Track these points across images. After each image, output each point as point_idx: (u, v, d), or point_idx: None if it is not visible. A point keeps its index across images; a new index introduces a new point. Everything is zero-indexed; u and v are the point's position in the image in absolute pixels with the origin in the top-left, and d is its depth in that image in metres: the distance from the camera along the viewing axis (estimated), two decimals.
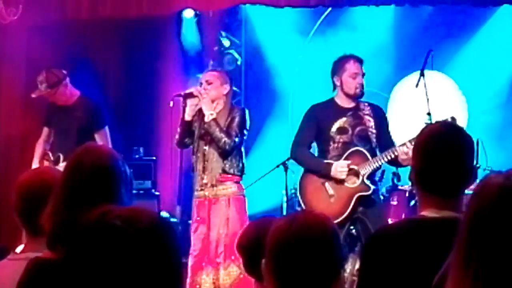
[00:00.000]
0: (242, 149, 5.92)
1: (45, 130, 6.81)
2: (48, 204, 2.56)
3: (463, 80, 8.72)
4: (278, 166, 7.37)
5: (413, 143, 5.11)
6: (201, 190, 5.86)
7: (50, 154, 6.69)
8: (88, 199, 2.48)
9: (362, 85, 5.71)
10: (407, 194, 7.10)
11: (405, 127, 7.85)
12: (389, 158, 5.53)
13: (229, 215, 5.79)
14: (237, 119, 5.81)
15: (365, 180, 5.63)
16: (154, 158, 8.15)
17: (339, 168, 5.59)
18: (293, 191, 7.88)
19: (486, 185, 1.64)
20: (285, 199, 7.67)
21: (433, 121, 5.92)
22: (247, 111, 5.94)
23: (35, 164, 6.64)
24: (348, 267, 6.27)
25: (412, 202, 7.09)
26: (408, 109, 8.27)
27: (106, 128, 6.59)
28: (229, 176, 5.83)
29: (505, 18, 8.47)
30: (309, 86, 8.94)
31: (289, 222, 2.15)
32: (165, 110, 6.88)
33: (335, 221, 5.45)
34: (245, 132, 5.87)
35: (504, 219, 1.57)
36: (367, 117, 5.71)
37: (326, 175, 5.63)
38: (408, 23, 8.68)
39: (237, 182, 5.87)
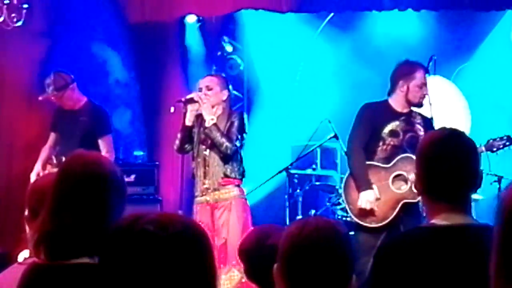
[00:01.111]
0: (242, 153, 5.93)
1: (52, 135, 6.84)
2: (41, 212, 2.56)
3: (466, 85, 8.71)
4: (280, 172, 7.38)
5: None
6: (203, 195, 5.86)
7: (54, 159, 6.70)
8: (78, 206, 2.49)
9: (425, 96, 5.69)
10: None
11: None
12: None
13: (231, 219, 5.79)
14: (236, 123, 5.82)
15: (413, 187, 5.56)
16: (157, 163, 8.17)
17: (368, 197, 5.51)
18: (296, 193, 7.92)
19: None
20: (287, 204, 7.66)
21: (436, 126, 5.95)
22: (245, 115, 5.95)
23: (36, 169, 6.65)
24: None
25: None
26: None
27: (110, 135, 6.61)
28: (231, 179, 5.83)
29: (508, 23, 8.47)
30: (311, 91, 8.96)
31: (301, 227, 2.16)
32: (168, 115, 6.90)
33: (377, 225, 5.50)
34: (244, 136, 5.88)
35: None
36: (418, 126, 5.69)
37: (358, 189, 5.57)
38: (410, 28, 8.69)
39: (238, 186, 5.88)
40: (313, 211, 7.70)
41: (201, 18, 8.68)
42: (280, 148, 8.61)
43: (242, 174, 5.89)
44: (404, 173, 5.57)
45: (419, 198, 5.55)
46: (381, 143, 5.65)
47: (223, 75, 6.17)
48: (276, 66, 9.06)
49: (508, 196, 1.64)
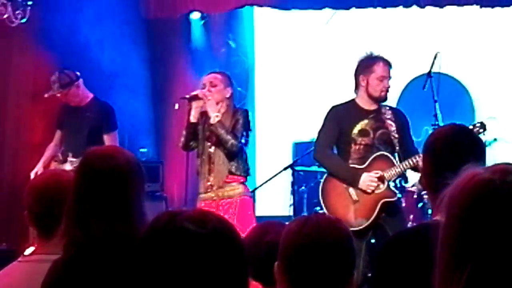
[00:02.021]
0: (246, 150, 5.93)
1: (58, 133, 6.87)
2: (65, 210, 2.56)
3: (471, 82, 8.70)
4: (285, 169, 7.38)
5: None
6: (207, 192, 5.86)
7: (60, 156, 6.72)
8: (103, 202, 2.49)
9: (387, 89, 5.59)
10: (415, 196, 7.10)
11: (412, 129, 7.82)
12: (416, 163, 5.38)
13: (235, 216, 5.79)
14: (241, 121, 5.82)
15: (391, 186, 5.53)
16: (162, 160, 8.16)
17: (368, 181, 5.47)
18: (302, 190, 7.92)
19: (472, 181, 1.57)
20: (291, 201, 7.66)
21: (441, 123, 5.94)
22: (249, 113, 5.95)
23: (36, 168, 6.67)
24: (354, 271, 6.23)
25: (420, 204, 7.09)
26: (416, 111, 8.25)
27: (116, 131, 6.63)
28: (235, 177, 5.84)
29: None
30: (316, 88, 8.95)
31: (302, 225, 2.15)
32: (173, 112, 6.90)
33: (359, 228, 5.41)
34: (249, 133, 5.88)
35: (497, 217, 1.53)
36: (389, 121, 5.59)
37: (352, 184, 5.51)
38: (415, 25, 8.68)
39: (243, 183, 5.88)
40: (318, 208, 7.69)
41: (205, 15, 8.67)
42: (283, 144, 8.60)
43: (247, 172, 5.89)
44: (380, 172, 5.50)
45: (398, 196, 5.56)
46: (352, 144, 5.57)
47: (227, 72, 6.15)
48: (280, 63, 9.05)
49: (466, 186, 1.59)
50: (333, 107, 5.74)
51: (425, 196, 7.09)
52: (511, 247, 1.50)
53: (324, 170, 7.88)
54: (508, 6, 7.83)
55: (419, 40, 8.56)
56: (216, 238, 1.56)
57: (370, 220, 5.44)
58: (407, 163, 5.45)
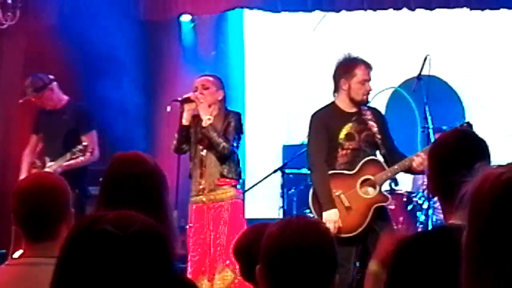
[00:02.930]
0: (238, 153, 5.93)
1: (33, 138, 6.88)
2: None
3: (461, 84, 8.73)
4: (275, 171, 7.39)
5: (426, 152, 5.11)
6: (199, 195, 5.86)
7: (38, 161, 6.75)
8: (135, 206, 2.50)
9: (369, 92, 5.56)
10: (404, 199, 7.10)
11: (402, 132, 7.84)
12: (407, 166, 5.36)
13: (227, 219, 5.79)
14: (233, 124, 5.83)
15: (383, 190, 5.51)
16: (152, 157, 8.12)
17: (331, 217, 5.33)
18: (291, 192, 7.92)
19: (499, 180, 1.55)
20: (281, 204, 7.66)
21: (430, 125, 5.95)
22: (241, 116, 5.95)
23: (22, 175, 6.65)
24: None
25: (410, 207, 7.10)
26: (406, 113, 8.27)
27: (94, 131, 6.62)
28: (227, 180, 5.84)
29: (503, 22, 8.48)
30: (306, 90, 8.96)
31: (283, 227, 2.14)
32: (163, 115, 6.89)
33: (353, 234, 5.38)
34: (241, 136, 5.89)
35: None
36: (370, 122, 5.54)
37: (322, 207, 5.41)
38: (405, 27, 8.69)
39: (235, 186, 5.88)
40: (308, 211, 7.69)
41: (195, 17, 8.67)
42: (272, 147, 8.60)
43: (239, 175, 5.89)
44: (371, 177, 5.47)
45: (389, 200, 5.55)
46: (339, 149, 5.51)
47: (218, 76, 6.15)
48: (271, 64, 9.06)
49: (484, 186, 1.57)
50: (315, 114, 5.64)
51: (414, 199, 7.10)
52: None
53: None
54: (498, 8, 7.85)
55: (409, 42, 8.58)
56: (136, 242, 1.55)
57: (363, 226, 5.40)
58: (397, 166, 5.41)
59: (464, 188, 1.60)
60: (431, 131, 6.19)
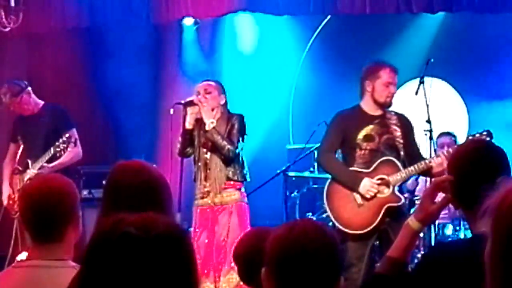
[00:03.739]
0: (243, 155, 5.93)
1: (12, 146, 6.96)
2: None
3: (463, 87, 8.72)
4: (278, 174, 7.39)
5: (445, 153, 5.10)
6: (203, 198, 5.87)
7: (19, 167, 6.82)
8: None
9: (393, 95, 5.61)
10: (406, 201, 7.09)
11: None
12: (422, 169, 5.41)
13: (231, 222, 5.80)
14: (236, 126, 5.84)
15: (396, 191, 5.52)
16: (155, 165, 8.13)
17: (368, 187, 5.48)
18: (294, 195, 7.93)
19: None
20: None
21: (432, 128, 5.95)
22: (244, 118, 5.96)
23: (5, 186, 6.81)
24: (344, 275, 6.21)
25: (412, 210, 7.09)
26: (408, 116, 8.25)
27: (74, 129, 6.63)
28: (232, 183, 5.85)
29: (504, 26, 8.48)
30: (308, 93, 8.96)
31: (289, 230, 2.14)
32: (166, 118, 6.90)
33: (362, 231, 5.43)
34: (245, 138, 5.90)
35: None
36: (394, 126, 5.60)
37: (353, 188, 5.51)
38: (407, 30, 8.70)
39: (239, 189, 5.89)
40: (310, 214, 7.70)
41: (198, 20, 8.68)
42: (276, 150, 8.60)
43: (244, 177, 5.90)
44: (386, 177, 5.51)
45: (402, 201, 5.55)
46: (358, 150, 5.57)
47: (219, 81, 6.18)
48: (273, 67, 9.06)
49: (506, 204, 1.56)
50: (338, 113, 5.76)
51: (417, 202, 7.10)
52: None
53: (318, 175, 7.96)
54: (500, 12, 7.86)
55: (411, 46, 8.58)
56: (158, 244, 1.55)
57: (373, 225, 5.45)
58: (412, 168, 5.46)
59: (486, 203, 1.60)
60: (433, 134, 6.19)
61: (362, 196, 5.51)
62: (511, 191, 1.57)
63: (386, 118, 5.62)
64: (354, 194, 5.53)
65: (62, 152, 6.40)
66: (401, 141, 5.57)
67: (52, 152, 6.36)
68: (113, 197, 2.61)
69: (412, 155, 5.55)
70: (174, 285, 1.57)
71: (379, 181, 5.50)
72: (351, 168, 5.59)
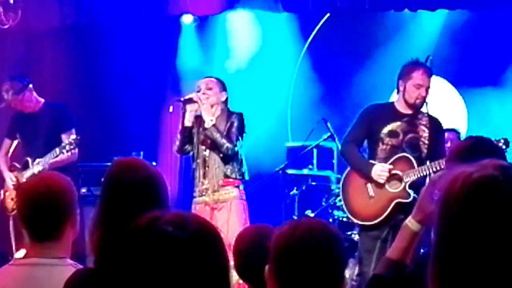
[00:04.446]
0: (242, 153, 5.93)
1: (7, 142, 6.96)
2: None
3: (463, 84, 8.71)
4: (277, 172, 7.39)
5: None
6: (202, 195, 5.87)
7: (16, 164, 6.82)
8: (134, 211, 2.52)
9: (424, 98, 5.59)
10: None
11: None
12: (436, 169, 5.37)
13: (230, 220, 5.80)
14: (236, 124, 5.84)
15: (407, 187, 5.52)
16: (154, 163, 8.14)
17: (379, 171, 5.54)
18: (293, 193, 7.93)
19: (472, 179, 1.56)
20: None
21: None
22: (244, 116, 5.96)
23: (6, 176, 6.81)
24: (347, 272, 6.26)
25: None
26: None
27: (73, 130, 6.67)
28: (231, 180, 5.85)
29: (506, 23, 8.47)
30: (307, 91, 8.95)
31: (293, 228, 2.15)
32: (165, 115, 6.90)
33: (369, 223, 5.53)
34: (244, 136, 5.90)
35: (502, 215, 1.52)
36: (422, 127, 5.61)
37: (366, 174, 5.59)
38: (407, 28, 8.69)
39: (238, 187, 5.89)
40: (309, 211, 7.70)
41: (197, 18, 8.67)
42: (275, 148, 8.59)
43: (243, 175, 5.90)
44: (400, 173, 5.56)
45: (411, 198, 5.52)
46: (380, 144, 5.63)
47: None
48: (272, 65, 9.05)
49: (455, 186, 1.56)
50: (369, 105, 5.81)
51: None
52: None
53: (317, 173, 7.98)
54: (499, 10, 7.85)
55: (411, 43, 8.57)
56: (195, 242, 1.55)
57: (380, 218, 5.51)
58: (425, 167, 5.48)
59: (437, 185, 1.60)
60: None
61: (374, 188, 5.57)
62: (459, 174, 1.57)
63: (416, 118, 5.65)
64: (368, 185, 5.60)
65: (68, 153, 6.39)
66: (427, 142, 5.59)
67: (57, 152, 6.36)
68: (112, 193, 2.62)
69: (435, 157, 5.52)
70: (209, 282, 1.56)
71: (390, 166, 5.54)
72: (370, 161, 5.65)
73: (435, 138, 5.63)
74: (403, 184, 5.54)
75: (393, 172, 5.57)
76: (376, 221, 5.52)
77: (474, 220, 1.52)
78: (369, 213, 5.56)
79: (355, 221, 5.71)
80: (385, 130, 5.62)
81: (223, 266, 1.60)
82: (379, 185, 5.58)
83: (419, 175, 5.51)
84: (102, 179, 2.74)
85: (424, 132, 5.60)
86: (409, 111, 5.66)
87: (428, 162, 5.54)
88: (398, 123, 5.62)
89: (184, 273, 1.53)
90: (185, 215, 1.62)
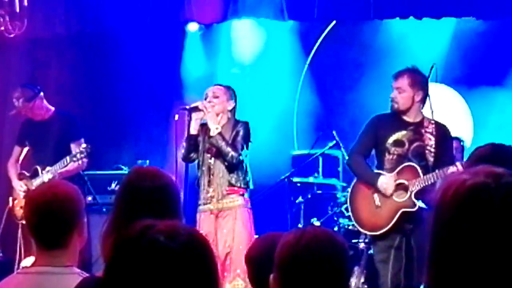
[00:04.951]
0: (247, 162, 5.93)
1: (17, 149, 6.98)
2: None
3: (468, 93, 8.71)
4: (283, 180, 7.38)
5: (463, 164, 5.10)
6: (207, 203, 5.87)
7: (25, 172, 6.83)
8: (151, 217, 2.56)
9: (393, 100, 5.65)
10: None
11: None
12: (440, 177, 5.41)
13: (235, 228, 5.80)
14: (241, 133, 5.85)
15: (412, 197, 5.51)
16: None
17: (384, 183, 5.55)
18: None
19: (465, 186, 1.58)
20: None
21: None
22: (250, 125, 5.96)
23: (16, 185, 6.81)
24: (353, 280, 6.25)
25: None
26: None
27: (82, 139, 6.70)
28: (235, 189, 5.85)
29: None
30: (313, 99, 8.95)
31: (299, 237, 2.15)
32: (171, 123, 6.91)
33: (376, 233, 5.54)
34: (249, 145, 5.90)
35: (494, 222, 1.53)
36: (428, 135, 5.61)
37: (373, 185, 5.61)
38: (412, 36, 8.68)
39: (243, 195, 5.89)
40: (315, 220, 7.69)
41: (202, 26, 8.68)
42: (281, 156, 8.59)
43: (247, 184, 5.90)
44: (405, 182, 5.55)
45: (417, 207, 5.53)
46: (386, 154, 5.64)
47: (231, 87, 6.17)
48: (277, 73, 9.05)
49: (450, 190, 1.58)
50: (376, 115, 5.82)
51: None
52: (506, 251, 1.50)
53: (323, 181, 7.97)
54: (504, 18, 7.84)
55: (416, 51, 8.57)
56: (186, 252, 1.57)
57: (386, 228, 5.51)
58: (431, 175, 5.48)
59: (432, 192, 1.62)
60: None
61: (381, 198, 5.57)
62: (452, 182, 1.59)
63: (422, 126, 5.65)
64: (374, 195, 5.60)
65: (79, 162, 6.40)
66: (433, 150, 5.58)
67: (68, 161, 6.37)
68: (129, 200, 2.66)
69: (442, 165, 5.52)
70: None
71: (398, 182, 5.54)
72: (377, 171, 5.66)
73: (441, 146, 5.61)
74: (408, 193, 5.53)
75: (399, 181, 5.57)
76: (382, 231, 5.53)
77: (466, 227, 1.54)
78: (376, 223, 5.56)
79: (363, 231, 5.73)
80: (391, 139, 5.63)
81: (212, 277, 1.62)
82: (386, 195, 5.58)
83: (425, 184, 5.50)
84: (118, 186, 2.77)
85: (430, 140, 5.59)
86: (416, 119, 5.66)
87: (436, 170, 5.51)
88: (404, 132, 5.62)
89: (174, 283, 1.54)
90: (177, 225, 1.63)
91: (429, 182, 5.50)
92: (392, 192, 5.54)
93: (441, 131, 5.67)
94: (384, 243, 5.54)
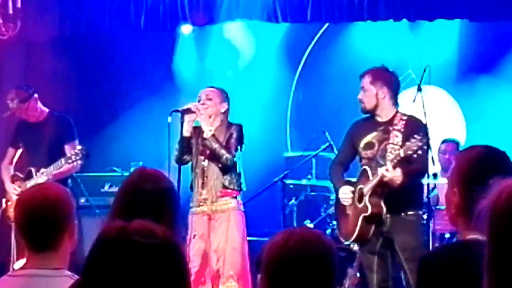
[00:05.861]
0: (240, 164, 5.93)
1: (10, 151, 6.94)
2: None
3: (461, 95, 8.73)
4: (276, 182, 7.39)
5: (392, 164, 5.06)
6: (200, 205, 5.87)
7: (19, 174, 6.79)
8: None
9: (359, 100, 5.59)
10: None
11: None
12: (379, 178, 5.27)
13: (230, 230, 5.80)
14: (235, 135, 5.85)
15: (366, 201, 5.39)
16: None
17: (341, 194, 5.56)
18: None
19: (507, 192, 1.55)
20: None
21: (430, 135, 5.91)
22: (243, 128, 5.96)
23: (9, 187, 6.77)
24: (346, 282, 6.26)
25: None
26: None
27: (76, 141, 6.68)
28: (229, 191, 5.85)
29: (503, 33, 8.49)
30: (306, 101, 8.96)
31: (286, 238, 2.14)
32: (164, 125, 6.90)
33: (348, 241, 5.57)
34: (242, 147, 5.90)
35: None
36: (395, 132, 5.39)
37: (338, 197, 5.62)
38: (405, 38, 8.70)
39: (236, 197, 5.89)
40: (308, 221, 7.69)
41: (195, 28, 8.68)
42: (274, 158, 8.59)
43: (240, 186, 5.90)
44: (362, 186, 5.44)
45: (369, 211, 5.35)
46: (362, 159, 5.55)
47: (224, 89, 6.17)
48: (270, 75, 9.06)
49: (501, 202, 1.57)
50: (354, 121, 5.75)
51: None
52: None
53: (316, 183, 7.98)
54: (498, 20, 7.85)
55: (408, 53, 8.58)
56: (160, 251, 1.62)
57: (354, 235, 5.46)
58: (372, 177, 5.35)
59: (481, 204, 1.60)
60: (431, 141, 6.16)
61: (350, 207, 5.53)
62: (504, 188, 1.57)
63: (392, 124, 5.46)
64: (347, 206, 5.56)
65: (74, 163, 6.39)
66: (397, 147, 5.31)
67: (62, 163, 6.35)
68: (131, 201, 2.67)
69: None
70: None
71: (356, 190, 5.48)
72: (347, 179, 5.64)
73: (408, 141, 5.26)
74: (364, 198, 5.41)
75: (359, 187, 5.45)
76: (352, 239, 5.50)
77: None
78: (348, 231, 5.53)
79: (342, 240, 5.65)
80: (362, 143, 5.52)
81: (181, 277, 1.66)
82: (352, 203, 5.52)
83: (372, 186, 5.34)
84: (119, 188, 2.79)
85: (396, 137, 5.37)
86: (386, 118, 5.51)
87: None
88: (374, 133, 5.49)
89: (147, 281, 1.58)
90: (151, 226, 1.67)
91: (374, 184, 5.29)
92: (350, 201, 5.48)
93: (410, 126, 5.38)
94: (366, 249, 5.50)
